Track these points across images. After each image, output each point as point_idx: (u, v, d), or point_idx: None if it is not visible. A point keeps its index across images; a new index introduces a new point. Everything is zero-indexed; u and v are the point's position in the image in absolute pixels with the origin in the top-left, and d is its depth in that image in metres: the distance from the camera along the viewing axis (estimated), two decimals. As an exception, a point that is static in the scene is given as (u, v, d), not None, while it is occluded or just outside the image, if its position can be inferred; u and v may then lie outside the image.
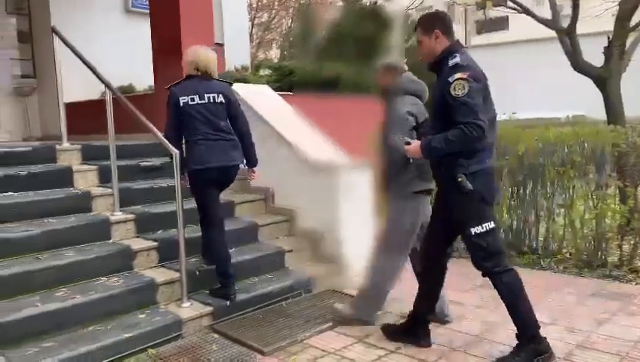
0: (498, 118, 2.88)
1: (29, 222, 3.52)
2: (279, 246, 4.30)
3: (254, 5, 19.64)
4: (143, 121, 3.67)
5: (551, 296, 3.95)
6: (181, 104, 3.42)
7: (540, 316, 2.92)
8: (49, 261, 3.24)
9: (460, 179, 2.63)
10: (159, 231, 3.95)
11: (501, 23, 22.71)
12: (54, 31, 4.39)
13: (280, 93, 6.20)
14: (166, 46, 5.69)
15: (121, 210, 3.91)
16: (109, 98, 3.91)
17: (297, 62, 8.52)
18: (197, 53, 3.54)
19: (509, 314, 2.79)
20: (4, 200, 3.56)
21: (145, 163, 4.54)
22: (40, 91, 7.89)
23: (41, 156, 4.14)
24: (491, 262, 2.73)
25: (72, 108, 7.37)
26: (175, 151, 3.33)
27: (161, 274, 3.52)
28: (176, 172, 3.37)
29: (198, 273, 3.61)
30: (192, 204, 4.08)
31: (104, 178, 4.13)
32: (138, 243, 3.69)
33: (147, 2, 6.52)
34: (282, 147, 4.65)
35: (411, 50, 10.87)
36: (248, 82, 6.31)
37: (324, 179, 4.37)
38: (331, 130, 5.43)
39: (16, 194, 3.71)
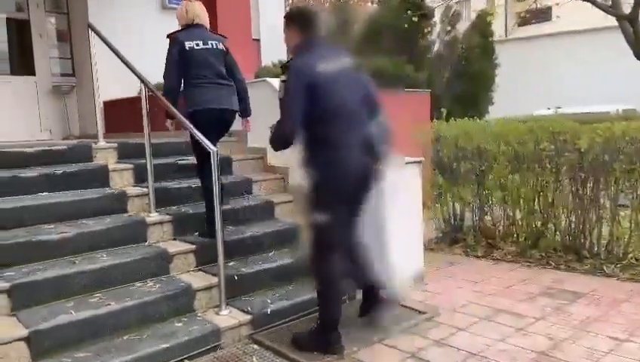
0: (543, 112, 2.60)
1: (64, 224, 3.40)
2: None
3: (290, 0, 19.48)
4: (180, 119, 3.50)
5: (622, 307, 3.58)
6: (187, 48, 3.57)
7: (614, 331, 2.60)
8: (84, 265, 3.10)
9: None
10: (195, 233, 3.78)
11: (544, 15, 21.85)
12: (91, 27, 4.29)
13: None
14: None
15: (157, 211, 3.77)
16: (144, 95, 3.76)
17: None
18: (194, 7, 3.75)
19: None
20: (39, 200, 3.45)
21: (182, 161, 4.38)
22: (79, 89, 7.91)
23: (77, 155, 4.03)
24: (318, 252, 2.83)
25: (111, 106, 7.37)
26: (213, 149, 3.14)
27: (198, 279, 3.34)
28: (214, 170, 3.17)
29: (236, 278, 3.41)
30: (229, 205, 3.92)
31: (140, 177, 3.99)
32: (175, 246, 3.53)
33: (183, -3, 6.41)
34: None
35: (452, 43, 10.46)
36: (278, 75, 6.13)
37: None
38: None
39: (52, 193, 3.60)
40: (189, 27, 3.71)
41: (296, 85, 2.69)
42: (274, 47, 9.94)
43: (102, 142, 4.25)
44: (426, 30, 9.19)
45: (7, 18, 7.35)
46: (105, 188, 3.86)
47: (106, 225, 3.44)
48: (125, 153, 4.25)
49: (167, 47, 3.66)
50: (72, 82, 7.90)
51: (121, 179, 4.03)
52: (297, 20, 2.91)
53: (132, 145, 4.26)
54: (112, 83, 6.95)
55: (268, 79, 4.88)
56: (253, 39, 9.68)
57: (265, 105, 4.81)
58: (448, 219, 5.67)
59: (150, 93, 3.76)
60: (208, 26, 3.84)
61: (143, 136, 3.77)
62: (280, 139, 2.82)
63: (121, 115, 7.09)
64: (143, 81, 3.78)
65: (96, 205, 3.61)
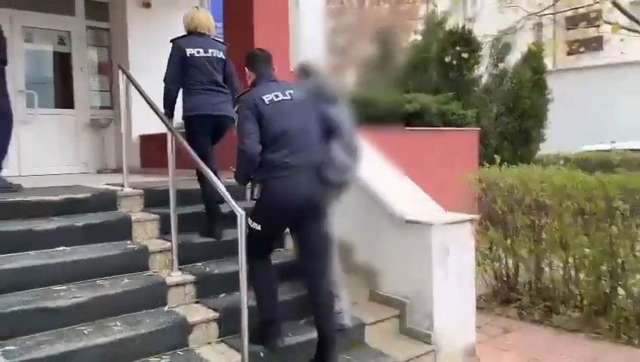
0: (595, 147, 2.17)
1: (78, 285, 3.11)
2: (358, 317, 3.63)
3: (331, 31, 19.41)
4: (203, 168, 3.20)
5: None
6: (188, 55, 3.71)
7: None
8: (94, 337, 2.76)
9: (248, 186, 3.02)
10: (222, 295, 3.42)
11: (595, 44, 20.99)
12: (120, 68, 4.11)
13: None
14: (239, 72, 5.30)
15: (180, 269, 3.43)
16: (170, 138, 3.49)
17: (375, 92, 7.92)
18: (199, 15, 3.88)
19: None
20: (53, 257, 3.17)
21: (211, 211, 4.06)
22: (116, 123, 7.82)
23: (101, 203, 3.77)
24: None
25: (147, 140, 7.23)
26: (240, 213, 2.78)
27: (219, 356, 2.96)
28: (239, 233, 2.80)
29: (262, 355, 3.01)
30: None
31: (166, 228, 3.68)
32: (196, 314, 3.17)
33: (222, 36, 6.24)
34: (362, 196, 4.01)
35: (501, 76, 9.95)
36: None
37: (416, 238, 3.68)
38: (416, 170, 4.75)
39: (69, 248, 3.33)
40: (192, 34, 3.85)
41: (245, 112, 2.97)
42: (314, 80, 9.78)
43: (127, 189, 3.98)
44: (473, 64, 8.73)
45: (52, 52, 7.39)
46: (126, 242, 3.57)
47: (122, 288, 3.12)
48: (152, 200, 3.97)
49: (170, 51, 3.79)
50: (110, 115, 7.84)
51: (145, 231, 3.73)
52: (250, 61, 3.23)
53: (159, 191, 3.97)
54: (149, 116, 6.87)
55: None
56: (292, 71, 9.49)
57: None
58: (500, 276, 5.13)
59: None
60: (213, 33, 3.97)
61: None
62: (243, 161, 2.97)
63: (157, 149, 6.92)
64: (166, 124, 3.53)
65: (114, 262, 3.31)
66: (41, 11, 7.12)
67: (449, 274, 3.70)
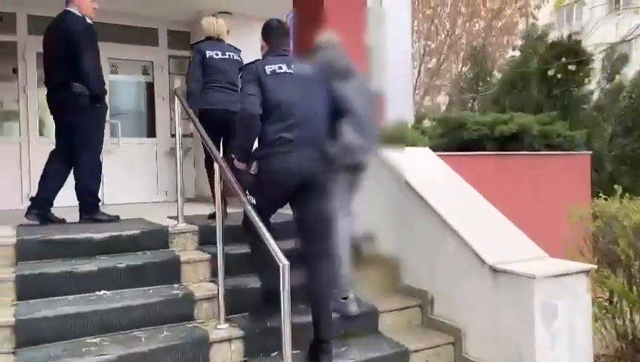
0: None
1: (112, 337, 2.76)
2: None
3: (421, 51, 18.73)
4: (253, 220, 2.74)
5: None
6: (207, 56, 4.12)
7: None
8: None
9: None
10: (274, 354, 2.92)
11: None
12: (176, 94, 3.86)
13: (445, 154, 4.94)
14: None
15: (229, 320, 3.00)
16: (217, 168, 3.10)
17: (465, 113, 7.16)
18: (220, 25, 4.34)
19: None
20: (92, 304, 2.87)
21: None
22: (196, 150, 7.76)
23: (151, 241, 3.47)
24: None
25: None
26: (284, 263, 2.28)
27: None
28: (282, 285, 2.30)
29: None
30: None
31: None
32: (240, 379, 2.70)
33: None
34: (446, 237, 3.35)
35: (617, 90, 8.71)
36: (402, 139, 5.16)
37: (511, 292, 2.95)
38: (511, 203, 4.00)
39: (109, 293, 3.02)
40: (211, 39, 4.29)
41: (248, 77, 2.97)
42: (399, 102, 9.14)
43: (181, 225, 3.66)
44: (583, 78, 7.66)
45: (136, 82, 7.53)
46: (173, 286, 3.21)
47: (159, 343, 2.73)
48: (208, 237, 3.58)
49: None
50: (191, 143, 7.78)
51: (196, 274, 3.36)
52: (264, 32, 3.13)
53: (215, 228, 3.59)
54: None
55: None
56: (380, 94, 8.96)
57: (373, 181, 3.92)
58: (624, 335, 4.14)
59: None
60: (227, 40, 4.39)
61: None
62: (241, 123, 2.92)
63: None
64: (214, 157, 3.14)
65: (154, 311, 2.94)
66: (127, 43, 7.26)
67: (557, 338, 2.92)
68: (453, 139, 6.51)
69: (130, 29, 7.18)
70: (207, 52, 4.11)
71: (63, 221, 3.90)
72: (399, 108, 8.78)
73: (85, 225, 3.77)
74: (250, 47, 6.91)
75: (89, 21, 3.93)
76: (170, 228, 3.58)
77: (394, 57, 9.47)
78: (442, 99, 20.13)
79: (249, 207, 2.67)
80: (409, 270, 3.69)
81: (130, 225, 3.74)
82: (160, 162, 7.55)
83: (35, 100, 6.70)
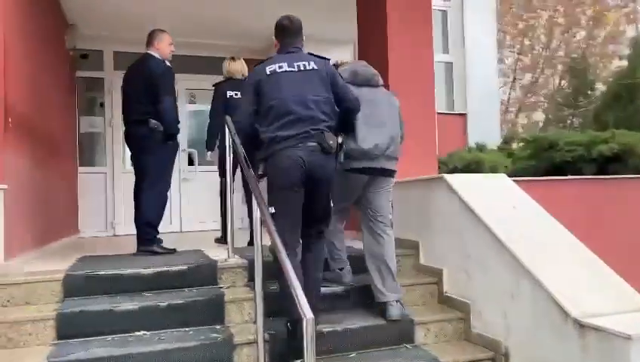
0: None
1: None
2: None
3: (513, 67, 17.68)
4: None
5: None
6: (227, 96, 4.63)
7: None
8: None
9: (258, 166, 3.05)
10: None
11: None
12: (226, 122, 3.73)
13: (530, 179, 4.38)
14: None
15: (269, 368, 2.73)
16: (255, 206, 2.86)
17: (562, 132, 6.42)
18: (235, 65, 4.88)
19: None
20: (127, 347, 2.73)
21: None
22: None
23: (198, 277, 3.33)
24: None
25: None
26: (308, 317, 1.98)
27: None
28: (305, 341, 1.99)
29: None
30: None
31: (268, 310, 3.02)
32: None
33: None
34: (522, 280, 2.85)
35: None
36: (480, 163, 4.65)
37: (601, 355, 2.39)
38: (605, 238, 3.39)
39: (148, 334, 2.89)
40: (230, 80, 4.79)
41: (246, 86, 3.12)
42: (484, 122, 8.51)
43: (232, 259, 3.49)
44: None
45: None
46: (215, 327, 3.01)
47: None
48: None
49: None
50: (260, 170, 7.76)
51: (241, 314, 3.15)
52: (274, 32, 3.19)
53: (269, 261, 3.38)
54: None
55: (447, 176, 3.57)
56: (458, 113, 8.45)
57: (439, 214, 3.52)
58: None
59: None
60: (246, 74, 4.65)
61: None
62: (238, 132, 3.18)
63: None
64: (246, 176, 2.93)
65: (191, 357, 2.74)
66: (204, 73, 7.43)
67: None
68: (543, 161, 5.84)
69: (206, 60, 7.33)
70: (227, 92, 4.64)
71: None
72: (484, 129, 8.20)
73: (138, 258, 3.73)
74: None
75: (168, 63, 4.22)
76: (219, 263, 3.41)
77: (478, 76, 8.91)
78: (538, 117, 18.79)
79: (278, 244, 2.40)
80: (480, 316, 3.21)
81: (182, 258, 3.64)
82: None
83: (119, 133, 7.00)
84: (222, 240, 4.56)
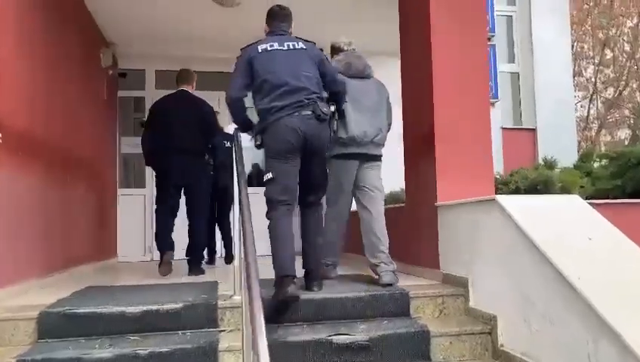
0: None
1: None
2: None
3: (593, 80, 16.20)
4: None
5: None
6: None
7: None
8: None
9: (251, 137, 3.21)
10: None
11: None
12: (234, 136, 3.25)
13: (611, 202, 3.55)
14: (418, 144, 3.92)
15: None
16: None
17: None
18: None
19: None
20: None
21: (340, 337, 2.71)
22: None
23: (194, 318, 2.80)
24: (267, 206, 3.01)
25: (352, 217, 6.28)
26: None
27: None
28: None
29: None
30: None
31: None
32: None
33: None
34: (599, 337, 2.08)
35: None
36: (549, 183, 3.83)
37: None
38: None
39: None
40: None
41: (239, 62, 3.19)
42: (558, 137, 7.51)
43: (236, 297, 2.94)
44: None
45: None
46: (203, 383, 2.46)
47: None
48: (269, 313, 2.81)
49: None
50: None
51: (238, 366, 2.58)
52: (266, 17, 3.37)
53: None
54: None
55: (501, 198, 2.85)
56: (528, 128, 7.55)
57: (492, 245, 2.83)
58: None
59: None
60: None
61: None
62: (228, 104, 3.19)
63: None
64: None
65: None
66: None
67: None
68: (631, 180, 4.87)
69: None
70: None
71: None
72: (558, 146, 7.22)
73: (142, 292, 3.29)
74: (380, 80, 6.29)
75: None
76: (219, 302, 2.88)
77: (549, 87, 7.95)
78: (623, 134, 17.06)
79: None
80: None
81: (181, 293, 3.15)
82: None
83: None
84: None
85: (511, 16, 7.82)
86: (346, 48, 3.72)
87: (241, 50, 3.24)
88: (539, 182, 3.83)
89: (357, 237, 6.35)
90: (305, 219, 3.22)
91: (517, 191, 3.84)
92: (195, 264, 4.42)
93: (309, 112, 2.99)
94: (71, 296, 3.14)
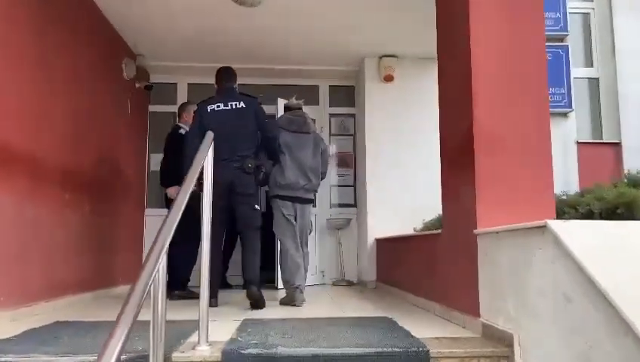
0: None
1: None
2: None
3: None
4: None
5: None
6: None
7: None
8: None
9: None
10: None
11: None
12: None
13: None
14: (455, 156, 3.12)
15: None
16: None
17: None
18: None
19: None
20: None
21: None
22: (359, 224, 6.42)
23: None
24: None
25: (385, 244, 5.54)
26: None
27: None
28: None
29: None
30: None
31: None
32: None
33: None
34: None
35: None
36: (632, 205, 2.84)
37: None
38: None
39: None
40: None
41: (195, 115, 4.06)
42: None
43: (200, 349, 2.27)
44: None
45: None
46: None
47: None
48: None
49: None
50: (350, 215, 6.50)
51: None
52: (215, 77, 4.25)
53: (249, 356, 2.13)
54: (389, 216, 5.41)
55: (554, 224, 2.00)
56: (611, 143, 6.41)
57: (544, 291, 2.00)
58: None
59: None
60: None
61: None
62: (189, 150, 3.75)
63: (393, 258, 5.14)
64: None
65: None
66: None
67: None
68: None
69: (292, 89, 6.44)
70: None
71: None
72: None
73: (75, 338, 2.71)
74: (420, 87, 5.57)
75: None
76: (174, 357, 2.22)
77: (636, 95, 6.75)
78: None
79: None
80: None
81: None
82: (319, 237, 6.42)
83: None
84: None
85: (588, 13, 6.76)
86: (293, 107, 4.40)
87: (197, 105, 4.10)
88: (620, 204, 2.87)
89: (387, 268, 5.46)
90: (243, 244, 4.04)
91: (589, 215, 2.91)
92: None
93: (237, 164, 3.85)
94: (22, 334, 2.63)
